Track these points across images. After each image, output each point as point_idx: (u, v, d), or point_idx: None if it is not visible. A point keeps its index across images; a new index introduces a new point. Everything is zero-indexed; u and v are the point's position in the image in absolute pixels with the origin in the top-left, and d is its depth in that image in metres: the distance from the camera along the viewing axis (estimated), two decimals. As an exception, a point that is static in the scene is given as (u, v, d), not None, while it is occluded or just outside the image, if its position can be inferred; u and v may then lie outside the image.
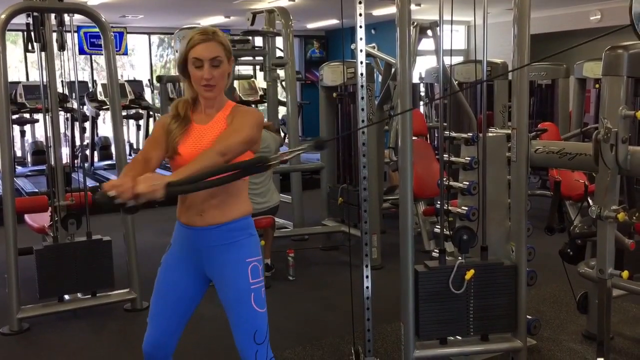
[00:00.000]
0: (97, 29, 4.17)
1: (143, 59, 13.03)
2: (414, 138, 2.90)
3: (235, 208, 2.20)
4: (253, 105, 9.42)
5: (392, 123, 5.79)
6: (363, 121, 2.95)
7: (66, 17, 4.12)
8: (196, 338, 3.59)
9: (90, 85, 10.98)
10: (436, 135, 6.39)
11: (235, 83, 8.77)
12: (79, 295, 4.22)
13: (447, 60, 4.40)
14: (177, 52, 7.84)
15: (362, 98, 2.96)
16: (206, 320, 3.60)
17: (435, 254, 3.00)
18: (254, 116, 2.19)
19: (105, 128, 10.78)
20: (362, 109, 2.95)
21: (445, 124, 3.76)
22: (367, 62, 3.03)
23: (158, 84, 5.12)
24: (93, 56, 11.57)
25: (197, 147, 2.14)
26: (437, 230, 3.22)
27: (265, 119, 7.48)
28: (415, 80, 6.66)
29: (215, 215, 2.17)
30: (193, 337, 3.49)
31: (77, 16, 4.18)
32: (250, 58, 5.73)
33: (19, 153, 9.86)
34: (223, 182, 1.94)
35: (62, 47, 4.14)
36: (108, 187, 1.74)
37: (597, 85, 6.52)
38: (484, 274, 2.91)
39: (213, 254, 2.19)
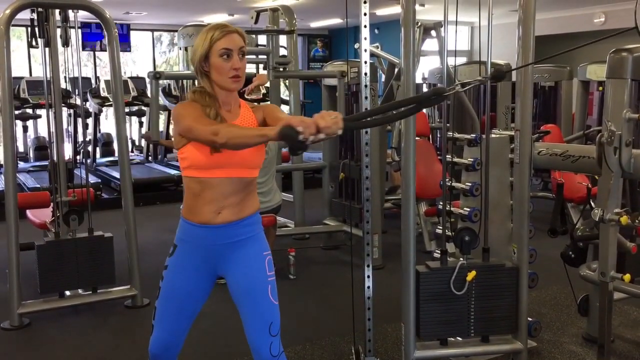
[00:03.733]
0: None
1: (146, 56, 13.04)
2: (416, 138, 2.89)
3: (250, 204, 2.23)
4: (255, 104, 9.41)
5: (394, 123, 5.78)
6: (366, 121, 2.94)
7: (70, 13, 4.12)
8: (196, 334, 3.59)
9: (93, 81, 10.99)
10: (438, 136, 6.39)
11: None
12: (80, 291, 4.22)
13: (450, 61, 4.39)
14: (180, 49, 7.85)
15: (366, 98, 2.96)
16: (207, 317, 3.60)
17: (436, 255, 3.00)
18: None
19: (107, 124, 10.78)
20: (366, 109, 2.95)
21: (448, 124, 3.75)
22: (370, 61, 3.03)
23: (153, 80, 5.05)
24: (96, 52, 11.60)
25: None
26: (438, 231, 3.22)
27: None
28: (419, 80, 6.66)
29: (235, 211, 2.18)
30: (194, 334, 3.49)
31: (81, 12, 4.18)
32: (254, 56, 5.72)
33: (21, 148, 9.87)
34: (399, 117, 1.95)
35: (66, 43, 4.14)
36: (296, 123, 1.76)
37: (600, 88, 6.51)
38: (486, 275, 2.91)
39: (229, 250, 2.20)
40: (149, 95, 10.11)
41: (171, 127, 7.50)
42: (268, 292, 2.19)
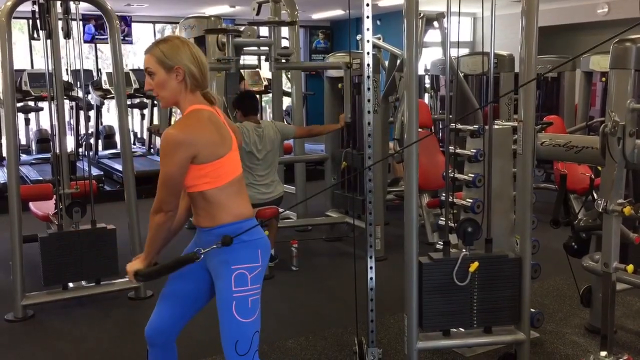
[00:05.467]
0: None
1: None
2: (419, 130, 2.88)
3: (221, 213, 2.15)
4: (257, 96, 9.40)
5: (397, 114, 5.77)
6: (369, 112, 2.94)
7: (72, 5, 4.11)
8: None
9: (95, 73, 10.98)
10: (441, 127, 6.38)
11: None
12: (83, 283, 4.24)
13: (453, 52, 4.37)
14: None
15: (369, 89, 2.95)
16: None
17: (439, 246, 2.99)
18: (164, 144, 2.04)
19: (109, 117, 10.77)
20: (368, 100, 2.94)
21: (451, 116, 3.74)
22: (373, 53, 3.01)
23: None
24: (97, 44, 11.57)
25: None
26: (441, 222, 3.22)
27: (268, 111, 7.46)
28: (421, 72, 6.63)
29: (205, 218, 2.19)
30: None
31: (82, 4, 4.17)
32: (255, 48, 5.70)
33: (23, 141, 9.87)
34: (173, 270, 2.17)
35: (67, 35, 4.13)
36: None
37: (603, 79, 6.49)
38: (488, 266, 2.91)
39: (208, 256, 2.17)
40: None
41: (173, 119, 7.50)
42: (232, 308, 2.11)
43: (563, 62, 6.84)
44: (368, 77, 2.95)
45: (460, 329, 3.05)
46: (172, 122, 8.94)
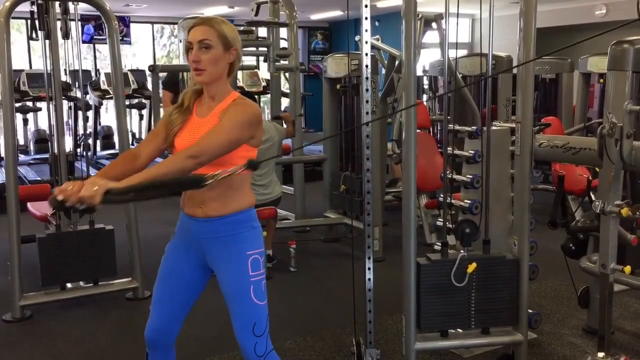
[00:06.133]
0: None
1: (146, 49, 13.00)
2: (417, 131, 2.89)
3: (236, 201, 2.18)
4: (256, 97, 9.40)
5: (395, 116, 5.78)
6: (367, 113, 2.94)
7: (70, 6, 4.11)
8: (197, 326, 3.60)
9: (93, 74, 10.97)
10: (439, 128, 6.38)
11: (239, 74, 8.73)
12: (81, 283, 4.24)
13: (451, 53, 4.38)
14: (180, 41, 7.83)
15: (367, 90, 2.95)
16: (208, 309, 3.61)
17: (437, 247, 3.00)
18: (247, 114, 2.10)
19: (107, 117, 10.77)
20: (367, 101, 2.94)
21: (449, 117, 3.75)
22: (371, 54, 3.02)
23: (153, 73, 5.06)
24: (96, 45, 11.57)
25: (190, 140, 2.10)
26: (439, 223, 3.22)
27: (267, 112, 7.48)
28: (419, 73, 6.64)
29: (216, 207, 2.15)
30: (194, 326, 3.49)
31: (81, 4, 4.17)
32: (254, 49, 5.70)
33: (21, 141, 9.85)
34: (160, 195, 1.87)
35: (66, 35, 4.13)
36: (57, 192, 1.75)
37: (601, 80, 6.50)
38: (486, 267, 2.92)
39: (214, 246, 2.19)
40: (149, 88, 10.14)
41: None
42: (250, 292, 2.16)
43: (553, 52, 6.83)
44: (367, 78, 2.95)
45: (458, 329, 3.05)
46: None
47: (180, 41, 7.77)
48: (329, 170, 5.83)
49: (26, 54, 11.19)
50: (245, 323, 2.16)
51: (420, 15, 5.08)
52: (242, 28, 5.16)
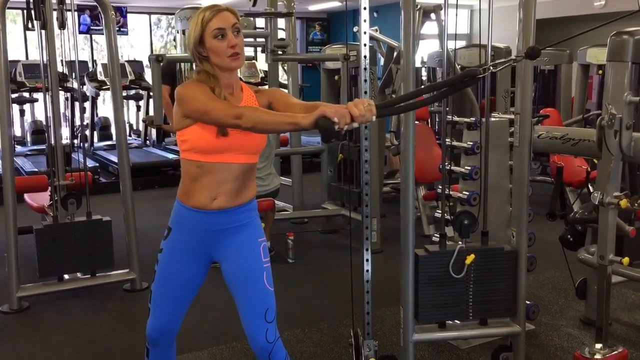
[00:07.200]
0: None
1: (143, 39, 12.95)
2: (415, 122, 2.88)
3: (248, 191, 2.21)
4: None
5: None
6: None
7: (67, -5, 4.08)
8: (194, 318, 3.60)
9: (90, 65, 10.92)
10: (437, 119, 6.37)
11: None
12: (79, 274, 4.23)
13: (450, 44, 4.37)
14: (177, 32, 7.78)
15: (365, 81, 2.93)
16: (205, 301, 3.60)
17: (435, 239, 2.99)
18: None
19: (104, 108, 10.73)
20: (365, 92, 2.93)
21: (447, 108, 3.74)
22: (370, 45, 3.00)
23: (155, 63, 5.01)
24: (93, 35, 11.51)
25: None
26: (437, 214, 3.21)
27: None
28: (418, 64, 6.62)
29: (230, 199, 2.15)
30: (194, 317, 3.49)
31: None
32: (252, 39, 5.67)
33: (18, 132, 9.83)
34: (430, 101, 2.08)
35: (62, 25, 4.10)
36: (331, 113, 1.76)
37: (600, 72, 6.48)
38: (484, 258, 2.91)
39: (224, 236, 2.18)
40: (146, 79, 10.10)
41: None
42: (263, 278, 2.19)
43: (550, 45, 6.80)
44: (365, 69, 2.94)
45: (456, 321, 3.06)
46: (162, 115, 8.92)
47: (178, 32, 7.75)
48: (327, 161, 5.82)
49: (22, 44, 11.12)
50: (258, 309, 2.16)
51: (419, 6, 5.06)
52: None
